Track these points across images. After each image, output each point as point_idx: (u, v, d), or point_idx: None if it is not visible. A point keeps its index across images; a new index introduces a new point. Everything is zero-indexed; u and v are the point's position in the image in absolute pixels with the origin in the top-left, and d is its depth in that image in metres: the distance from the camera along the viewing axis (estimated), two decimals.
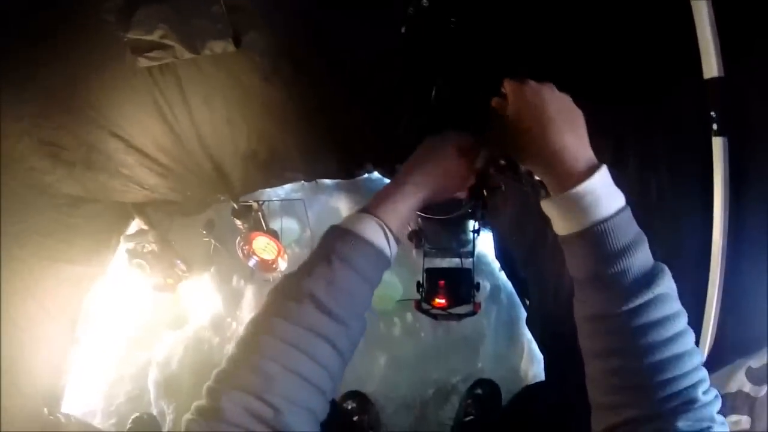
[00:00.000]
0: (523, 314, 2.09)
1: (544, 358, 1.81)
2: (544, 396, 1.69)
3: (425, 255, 2.09)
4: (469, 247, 2.16)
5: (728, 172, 0.78)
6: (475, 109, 0.86)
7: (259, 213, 2.17)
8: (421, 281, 1.74)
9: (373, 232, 0.68)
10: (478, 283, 1.78)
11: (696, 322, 0.84)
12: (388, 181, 2.54)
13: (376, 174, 2.56)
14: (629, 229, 0.61)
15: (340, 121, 1.78)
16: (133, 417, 1.84)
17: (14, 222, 1.46)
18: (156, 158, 1.65)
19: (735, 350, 0.85)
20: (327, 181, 2.59)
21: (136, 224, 2.23)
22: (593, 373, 0.63)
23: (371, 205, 0.71)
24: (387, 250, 0.69)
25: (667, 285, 0.60)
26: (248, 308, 2.07)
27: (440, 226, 2.07)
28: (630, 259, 0.59)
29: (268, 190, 2.54)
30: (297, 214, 2.40)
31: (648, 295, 0.58)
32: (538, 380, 1.95)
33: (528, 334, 2.05)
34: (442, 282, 1.69)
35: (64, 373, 1.81)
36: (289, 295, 0.61)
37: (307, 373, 0.57)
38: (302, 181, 2.52)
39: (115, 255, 2.08)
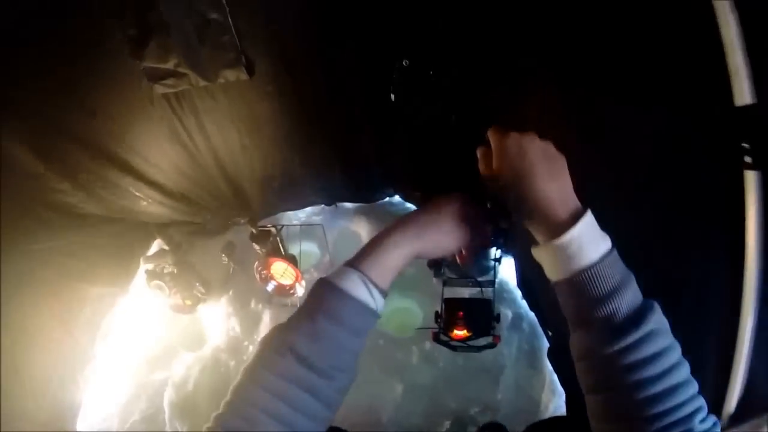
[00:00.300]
0: (546, 344, 2.02)
1: (566, 392, 1.75)
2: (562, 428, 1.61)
3: (445, 284, 2.05)
4: (491, 276, 2.12)
5: (763, 208, 0.72)
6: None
7: (278, 238, 2.18)
8: (439, 311, 1.69)
9: (355, 286, 0.67)
10: (499, 315, 1.75)
11: (724, 368, 0.82)
12: (409, 205, 2.57)
13: (396, 198, 2.57)
14: (615, 272, 0.62)
15: (357, 147, 1.82)
16: None
17: (38, 241, 1.51)
18: (177, 183, 1.73)
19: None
20: (347, 204, 2.61)
21: (157, 244, 2.27)
22: (591, 406, 0.65)
23: (357, 257, 0.71)
24: (372, 304, 0.68)
25: (656, 321, 0.61)
26: (265, 331, 2.05)
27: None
28: (617, 301, 0.60)
29: (288, 213, 2.57)
30: (317, 237, 2.41)
31: (638, 334, 0.59)
32: (558, 413, 1.84)
33: (550, 366, 1.97)
34: (461, 313, 1.64)
35: (81, 390, 1.83)
36: (274, 348, 0.65)
37: (288, 420, 0.60)
38: (322, 205, 2.54)
39: (136, 275, 2.12)
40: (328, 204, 2.53)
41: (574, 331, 0.67)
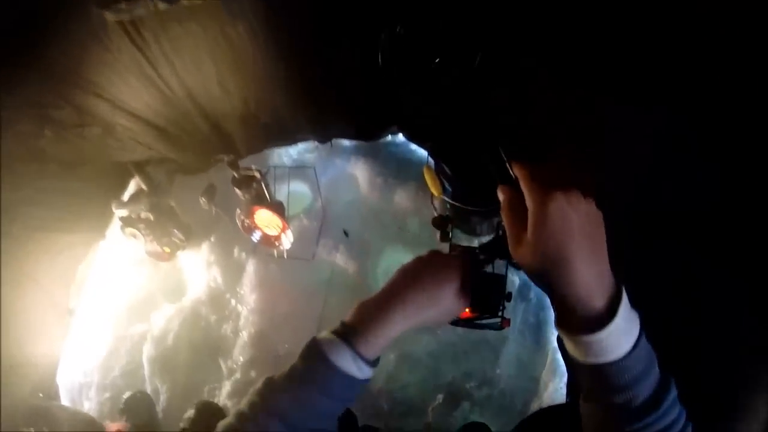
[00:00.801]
0: (552, 317, 1.90)
1: (569, 375, 1.68)
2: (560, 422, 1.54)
3: (452, 250, 1.86)
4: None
5: None
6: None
7: (262, 183, 1.96)
8: None
9: (346, 362, 0.69)
10: (510, 294, 1.59)
11: None
12: (414, 147, 2.30)
13: (400, 137, 2.30)
14: (642, 358, 0.60)
15: (357, 81, 1.61)
16: (126, 395, 1.82)
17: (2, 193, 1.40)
18: (148, 119, 1.61)
19: None
20: (344, 142, 2.34)
21: (134, 185, 2.11)
22: None
23: (352, 327, 0.72)
24: (361, 376, 0.71)
25: (673, 395, 0.62)
26: (249, 285, 1.95)
27: (473, 215, 1.85)
28: (640, 388, 0.60)
29: (277, 150, 2.31)
30: (308, 179, 2.23)
31: (656, 414, 0.59)
32: (558, 395, 1.81)
33: (553, 342, 1.86)
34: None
35: (58, 344, 1.80)
36: (264, 405, 0.68)
37: None
38: (315, 142, 2.27)
39: (112, 221, 2.02)
40: (321, 142, 2.27)
41: (587, 401, 0.66)
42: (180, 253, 2.16)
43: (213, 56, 1.37)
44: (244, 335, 1.90)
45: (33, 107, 1.37)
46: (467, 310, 1.06)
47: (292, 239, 1.93)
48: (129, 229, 2.03)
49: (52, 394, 1.77)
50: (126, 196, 2.17)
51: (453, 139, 1.77)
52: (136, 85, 1.41)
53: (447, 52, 1.26)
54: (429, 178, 1.85)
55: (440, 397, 1.85)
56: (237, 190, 2.01)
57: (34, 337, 1.68)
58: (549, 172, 0.60)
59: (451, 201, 1.83)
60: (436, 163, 1.70)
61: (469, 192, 1.66)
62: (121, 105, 1.47)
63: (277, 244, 1.98)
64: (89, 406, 1.94)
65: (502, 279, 1.72)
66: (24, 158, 1.46)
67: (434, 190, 1.84)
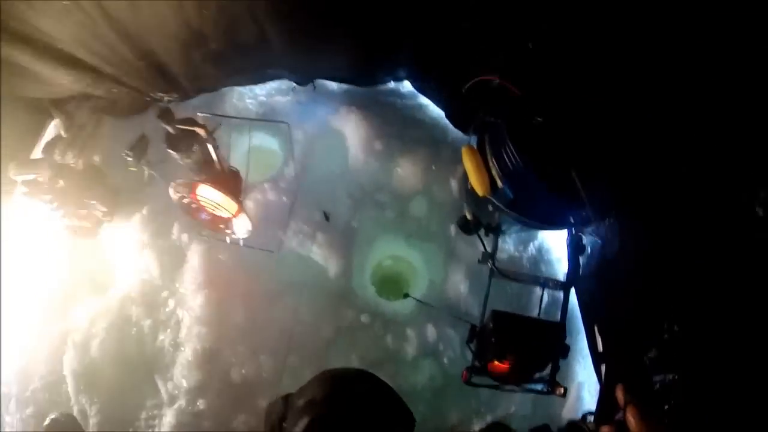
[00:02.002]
0: (579, 346, 1.46)
1: (597, 414, 1.33)
2: None
3: (492, 274, 1.32)
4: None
5: None
6: None
7: (209, 144, 1.33)
8: (477, 325, 1.22)
9: None
10: (568, 347, 1.21)
11: None
12: (424, 100, 1.65)
13: (407, 86, 1.64)
14: None
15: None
16: (50, 418, 1.43)
17: None
18: (68, 44, 1.22)
19: None
20: (331, 85, 1.67)
21: (54, 128, 1.64)
22: None
23: None
24: None
25: None
26: (193, 282, 1.45)
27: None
28: None
29: (238, 89, 1.63)
30: (280, 132, 1.67)
31: None
32: None
33: (580, 377, 1.43)
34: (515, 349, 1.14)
35: None
36: None
37: None
38: (293, 83, 1.61)
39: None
40: (300, 82, 1.61)
41: None
42: (105, 228, 1.57)
43: None
44: (187, 351, 1.44)
45: None
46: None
47: (249, 226, 1.35)
48: (37, 198, 1.45)
49: None
50: (40, 146, 1.63)
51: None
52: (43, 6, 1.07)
53: None
54: (472, 167, 1.23)
55: None
56: (173, 153, 1.38)
57: None
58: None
59: (505, 209, 1.24)
60: (496, 144, 1.15)
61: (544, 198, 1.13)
62: (32, 31, 1.14)
63: (226, 230, 1.41)
64: (10, 422, 1.59)
65: (561, 328, 1.25)
66: None
67: (479, 188, 1.23)
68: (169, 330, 1.50)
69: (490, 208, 1.30)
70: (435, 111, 1.64)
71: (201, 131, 1.38)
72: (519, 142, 1.11)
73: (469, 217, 1.34)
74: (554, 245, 1.64)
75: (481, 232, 1.37)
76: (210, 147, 1.40)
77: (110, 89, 1.49)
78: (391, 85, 1.65)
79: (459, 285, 1.50)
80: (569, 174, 1.10)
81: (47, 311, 1.63)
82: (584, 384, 1.54)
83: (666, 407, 1.14)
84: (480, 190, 1.22)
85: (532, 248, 1.60)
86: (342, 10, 1.22)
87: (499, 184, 1.21)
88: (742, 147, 1.07)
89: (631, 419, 0.74)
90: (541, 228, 1.36)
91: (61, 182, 1.48)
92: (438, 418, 1.48)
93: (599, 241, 1.48)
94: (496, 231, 1.34)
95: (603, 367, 1.49)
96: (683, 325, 1.18)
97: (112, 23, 1.17)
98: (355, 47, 1.40)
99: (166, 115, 1.44)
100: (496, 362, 1.16)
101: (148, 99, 1.58)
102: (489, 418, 1.49)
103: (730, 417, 1.01)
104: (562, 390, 1.18)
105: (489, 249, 1.39)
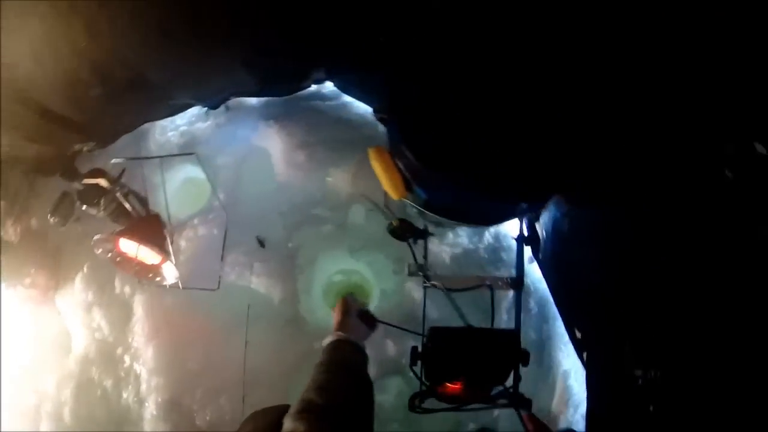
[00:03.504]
0: (559, 332, 1.29)
1: (589, 404, 1.21)
2: None
3: (426, 285, 1.19)
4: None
5: None
6: None
7: (118, 193, 1.23)
8: (419, 346, 1.06)
9: None
10: (527, 354, 1.06)
11: None
12: (348, 98, 1.48)
13: (329, 86, 1.48)
14: None
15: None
16: None
17: None
18: None
19: None
20: (250, 101, 1.53)
21: None
22: None
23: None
24: None
25: None
26: (142, 334, 1.36)
27: None
28: None
29: (160, 124, 1.52)
30: (209, 160, 1.54)
31: None
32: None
33: (565, 364, 1.27)
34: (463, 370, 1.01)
35: None
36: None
37: None
38: (204, 108, 1.48)
39: None
40: (212, 107, 1.47)
41: None
42: (54, 293, 1.52)
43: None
44: (151, 405, 1.40)
45: None
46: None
47: (176, 273, 1.24)
48: None
49: None
50: None
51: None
52: None
53: None
54: (381, 169, 1.11)
55: None
56: (88, 209, 1.28)
57: None
58: None
59: (424, 210, 1.12)
60: (395, 143, 1.04)
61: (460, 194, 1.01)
62: None
63: (157, 278, 1.31)
64: None
65: (514, 336, 1.11)
66: None
67: (391, 189, 1.11)
68: (130, 386, 1.49)
69: (415, 211, 1.14)
70: (361, 108, 1.50)
71: (103, 182, 1.28)
72: (413, 137, 0.94)
73: (395, 223, 1.18)
74: (512, 228, 1.46)
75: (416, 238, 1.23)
76: (119, 195, 1.30)
77: (30, 150, 1.42)
78: (313, 88, 1.49)
79: (412, 292, 1.38)
80: (479, 165, 0.92)
81: (20, 386, 1.58)
82: (570, 372, 1.40)
83: (651, 408, 0.97)
84: (393, 193, 1.08)
85: (488, 237, 1.44)
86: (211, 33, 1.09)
87: (412, 185, 1.05)
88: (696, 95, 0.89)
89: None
90: (471, 225, 1.20)
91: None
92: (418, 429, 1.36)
93: (556, 219, 1.30)
94: (424, 236, 1.18)
95: (585, 355, 1.32)
96: (655, 313, 1.00)
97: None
98: (253, 74, 1.26)
99: (68, 173, 1.35)
100: (447, 384, 1.02)
101: (70, 153, 1.46)
102: (472, 426, 1.37)
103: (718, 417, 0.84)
104: (526, 404, 1.01)
105: (420, 257, 1.25)
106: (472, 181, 0.94)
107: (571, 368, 1.44)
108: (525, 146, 0.98)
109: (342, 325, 1.07)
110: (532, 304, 1.44)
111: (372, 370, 1.46)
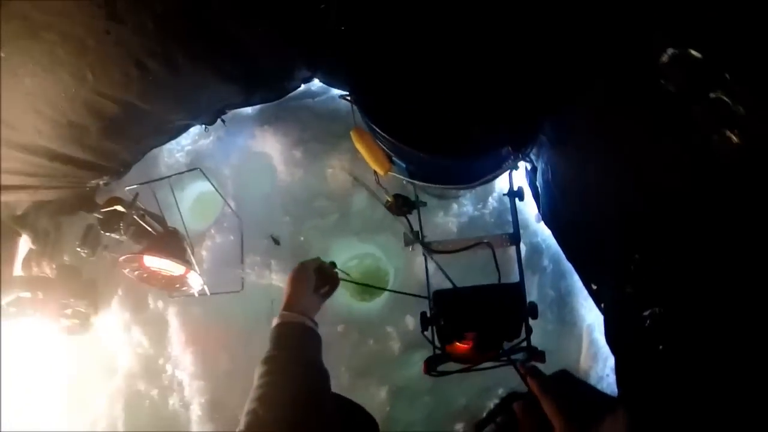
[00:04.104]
0: (577, 286, 1.27)
1: (617, 360, 1.19)
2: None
3: (426, 254, 1.22)
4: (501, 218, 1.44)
5: None
6: None
7: (134, 215, 1.30)
8: (427, 311, 1.08)
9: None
10: (535, 306, 1.05)
11: None
12: (334, 91, 1.51)
13: (317, 84, 1.51)
14: None
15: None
16: None
17: None
18: None
19: None
20: (245, 111, 1.59)
21: (24, 243, 1.67)
22: None
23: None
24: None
25: None
26: (179, 342, 1.46)
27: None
28: None
29: (167, 148, 1.60)
30: (212, 173, 1.59)
31: None
32: (604, 385, 1.34)
33: (588, 318, 1.25)
34: (470, 325, 0.99)
35: None
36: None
37: None
38: (203, 125, 1.54)
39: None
40: (209, 123, 1.53)
41: None
42: (94, 319, 1.62)
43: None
44: (196, 407, 1.44)
45: None
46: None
47: (200, 281, 1.31)
48: (19, 315, 1.54)
49: None
50: (18, 264, 1.69)
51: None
52: None
53: None
54: (363, 148, 1.20)
55: (460, 427, 1.38)
56: (110, 235, 1.36)
57: None
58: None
59: (409, 180, 1.19)
60: (365, 121, 1.09)
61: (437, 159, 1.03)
62: None
63: (183, 288, 1.37)
64: None
65: (517, 288, 1.08)
66: None
67: (376, 166, 1.19)
68: (174, 393, 1.58)
69: (404, 182, 1.16)
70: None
71: (119, 208, 1.36)
72: (376, 113, 0.96)
73: (390, 199, 1.20)
74: None
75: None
76: (135, 217, 1.38)
77: (53, 194, 1.54)
78: (302, 87, 1.53)
79: (423, 265, 1.36)
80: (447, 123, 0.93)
81: (71, 410, 1.69)
82: (594, 325, 1.36)
83: (660, 347, 0.93)
84: (379, 169, 1.10)
85: (492, 201, 1.42)
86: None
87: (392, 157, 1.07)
88: None
89: (534, 388, 0.65)
90: (460, 187, 1.19)
91: (40, 294, 1.55)
92: (444, 405, 1.43)
93: (545, 173, 1.27)
94: (416, 206, 1.19)
95: (602, 306, 1.29)
96: (650, 251, 0.96)
97: (8, 144, 1.21)
98: (233, 82, 1.32)
99: (87, 205, 1.44)
100: (457, 343, 1.02)
101: (88, 189, 1.56)
102: (501, 392, 1.35)
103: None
104: (540, 357, 1.01)
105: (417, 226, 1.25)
106: (437, 142, 0.96)
107: (594, 321, 1.43)
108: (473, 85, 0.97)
109: (290, 300, 0.98)
110: (546, 262, 1.43)
111: (396, 347, 1.53)
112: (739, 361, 0.81)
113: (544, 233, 1.46)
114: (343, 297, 1.58)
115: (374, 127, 1.01)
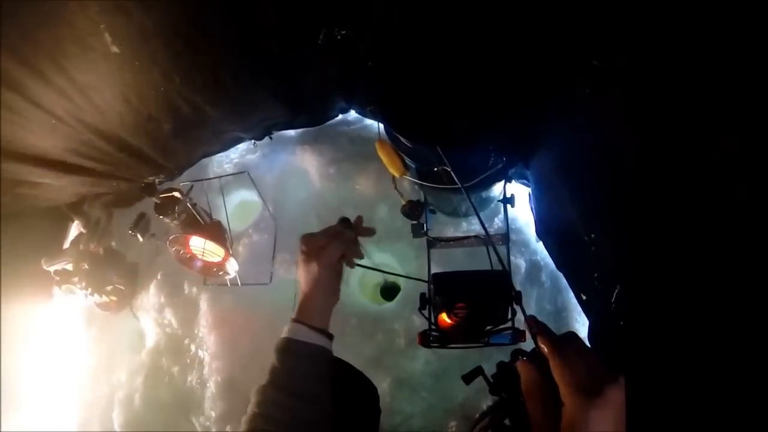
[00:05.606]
0: (573, 302, 1.37)
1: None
2: None
3: (429, 246, 1.35)
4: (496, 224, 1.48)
5: None
6: None
7: (188, 203, 1.49)
8: (426, 293, 1.15)
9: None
10: (519, 293, 1.08)
11: None
12: (367, 121, 1.74)
13: (353, 114, 1.75)
14: None
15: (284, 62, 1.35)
16: None
17: None
18: (55, 152, 1.40)
19: None
20: (289, 132, 1.82)
21: (76, 229, 1.87)
22: None
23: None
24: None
25: None
26: (206, 325, 1.56)
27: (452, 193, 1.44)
28: None
29: (217, 158, 1.81)
30: (259, 180, 1.82)
31: None
32: None
33: (582, 331, 1.33)
34: (461, 302, 1.04)
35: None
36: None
37: None
38: (251, 141, 1.76)
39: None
40: (258, 138, 1.76)
41: None
42: (130, 299, 1.77)
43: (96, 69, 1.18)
44: (212, 385, 1.52)
45: None
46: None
47: (236, 267, 1.46)
48: (66, 286, 1.68)
49: None
50: (66, 246, 1.89)
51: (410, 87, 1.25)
52: (20, 120, 1.22)
53: None
54: (384, 156, 1.40)
55: (453, 425, 1.47)
56: (164, 218, 1.55)
57: None
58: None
59: (417, 181, 1.37)
60: (390, 135, 1.28)
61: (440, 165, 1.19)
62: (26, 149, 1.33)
63: (220, 273, 1.52)
64: None
65: (505, 276, 1.19)
66: None
67: (393, 170, 1.39)
68: (194, 371, 1.70)
69: (416, 187, 1.35)
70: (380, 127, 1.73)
71: (177, 194, 1.56)
72: (395, 118, 1.16)
73: (405, 204, 1.38)
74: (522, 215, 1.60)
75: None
76: (189, 205, 1.57)
77: (110, 185, 1.74)
78: (339, 117, 1.77)
79: (432, 269, 1.50)
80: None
81: (95, 380, 1.83)
82: (587, 338, 1.43)
83: (621, 323, 1.00)
84: (395, 172, 1.29)
85: (497, 221, 1.60)
86: (251, 77, 1.40)
87: (406, 161, 1.26)
88: None
89: (543, 348, 0.65)
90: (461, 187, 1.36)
91: (85, 265, 1.73)
92: (444, 400, 1.51)
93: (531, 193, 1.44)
94: (424, 205, 1.38)
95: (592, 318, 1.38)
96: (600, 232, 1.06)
97: (90, 129, 1.38)
98: (283, 104, 1.56)
99: (149, 189, 1.66)
100: (445, 318, 1.12)
101: (143, 185, 1.76)
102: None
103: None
104: (523, 337, 1.10)
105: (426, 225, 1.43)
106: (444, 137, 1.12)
107: (587, 334, 1.50)
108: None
109: (303, 304, 0.89)
110: (544, 278, 1.55)
111: (402, 341, 1.63)
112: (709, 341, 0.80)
113: (542, 252, 1.59)
114: (357, 296, 1.68)
115: (392, 129, 1.21)
